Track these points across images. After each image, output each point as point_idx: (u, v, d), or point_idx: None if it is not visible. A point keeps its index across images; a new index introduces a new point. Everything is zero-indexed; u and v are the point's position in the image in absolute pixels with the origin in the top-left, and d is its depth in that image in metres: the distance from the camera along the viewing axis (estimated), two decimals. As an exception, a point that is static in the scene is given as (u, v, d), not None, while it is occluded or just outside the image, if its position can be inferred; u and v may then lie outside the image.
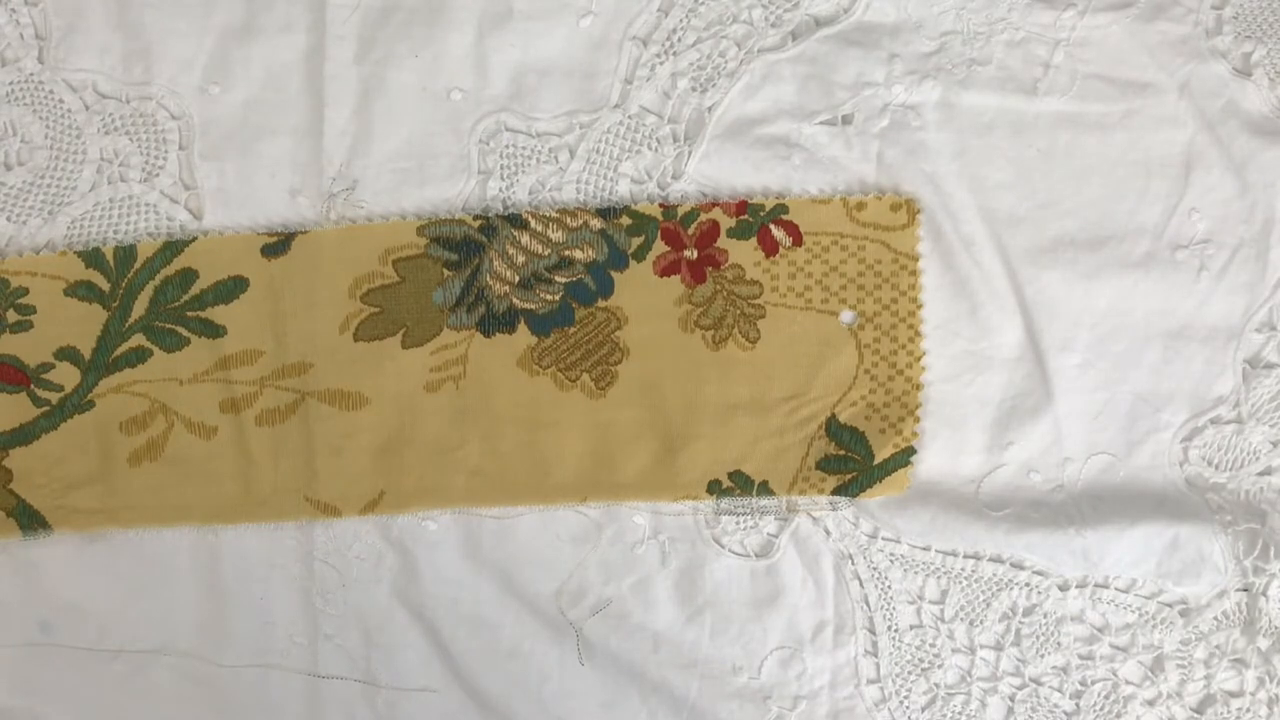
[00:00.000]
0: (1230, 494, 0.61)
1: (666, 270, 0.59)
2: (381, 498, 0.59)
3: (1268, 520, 0.61)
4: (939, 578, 0.60)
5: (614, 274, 0.59)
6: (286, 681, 0.61)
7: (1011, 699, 0.60)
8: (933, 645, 0.60)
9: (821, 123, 0.60)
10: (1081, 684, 0.60)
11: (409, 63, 0.59)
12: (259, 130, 0.58)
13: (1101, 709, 0.60)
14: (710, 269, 0.59)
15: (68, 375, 0.58)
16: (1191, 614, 0.60)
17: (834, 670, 0.61)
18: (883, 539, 0.60)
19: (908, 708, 0.60)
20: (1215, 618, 0.60)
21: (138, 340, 0.58)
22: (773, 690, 0.61)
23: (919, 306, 0.60)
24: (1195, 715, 0.60)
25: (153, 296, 0.58)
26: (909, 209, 0.60)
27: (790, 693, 0.61)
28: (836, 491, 0.60)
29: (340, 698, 0.60)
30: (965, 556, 0.60)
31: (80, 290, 0.58)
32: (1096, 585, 0.60)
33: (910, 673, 0.60)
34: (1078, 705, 0.60)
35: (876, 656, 0.60)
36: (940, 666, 0.60)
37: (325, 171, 0.59)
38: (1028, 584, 0.60)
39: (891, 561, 0.60)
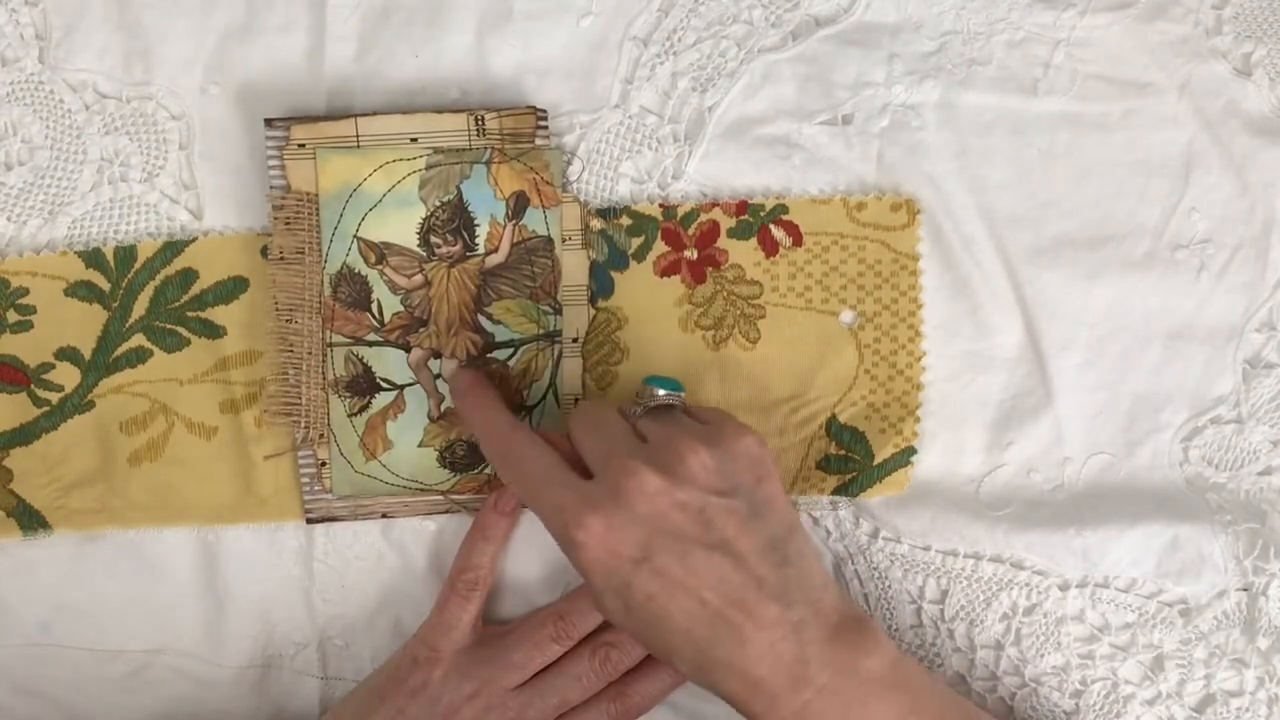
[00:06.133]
0: (1230, 494, 0.61)
1: (667, 270, 0.59)
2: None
3: (1268, 520, 0.61)
4: (939, 578, 0.60)
5: (614, 274, 0.59)
6: (287, 682, 0.61)
7: (1011, 699, 0.60)
8: (933, 645, 0.60)
9: (821, 123, 0.60)
10: (1081, 684, 0.60)
11: (409, 63, 0.59)
12: (259, 130, 0.58)
13: (1101, 709, 0.60)
14: (710, 269, 0.59)
15: (68, 375, 0.58)
16: (1191, 614, 0.60)
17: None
18: (883, 539, 0.60)
19: (908, 707, 0.60)
20: (1215, 618, 0.60)
21: (138, 340, 0.58)
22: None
23: (919, 306, 0.60)
24: (1195, 715, 0.60)
25: (153, 297, 0.58)
26: (909, 209, 0.60)
27: (790, 693, 0.61)
28: (836, 491, 0.60)
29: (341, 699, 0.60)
30: (965, 556, 0.60)
31: (80, 290, 0.58)
32: (1096, 585, 0.60)
33: (910, 672, 0.60)
34: (1078, 705, 0.60)
35: (876, 656, 0.60)
36: (940, 666, 0.60)
37: (325, 171, 0.59)
38: (1028, 584, 0.60)
39: (891, 561, 0.60)
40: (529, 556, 0.60)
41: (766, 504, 0.51)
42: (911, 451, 0.60)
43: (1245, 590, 0.60)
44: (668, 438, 0.51)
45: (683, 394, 0.55)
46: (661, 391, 0.54)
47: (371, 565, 0.60)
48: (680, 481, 0.49)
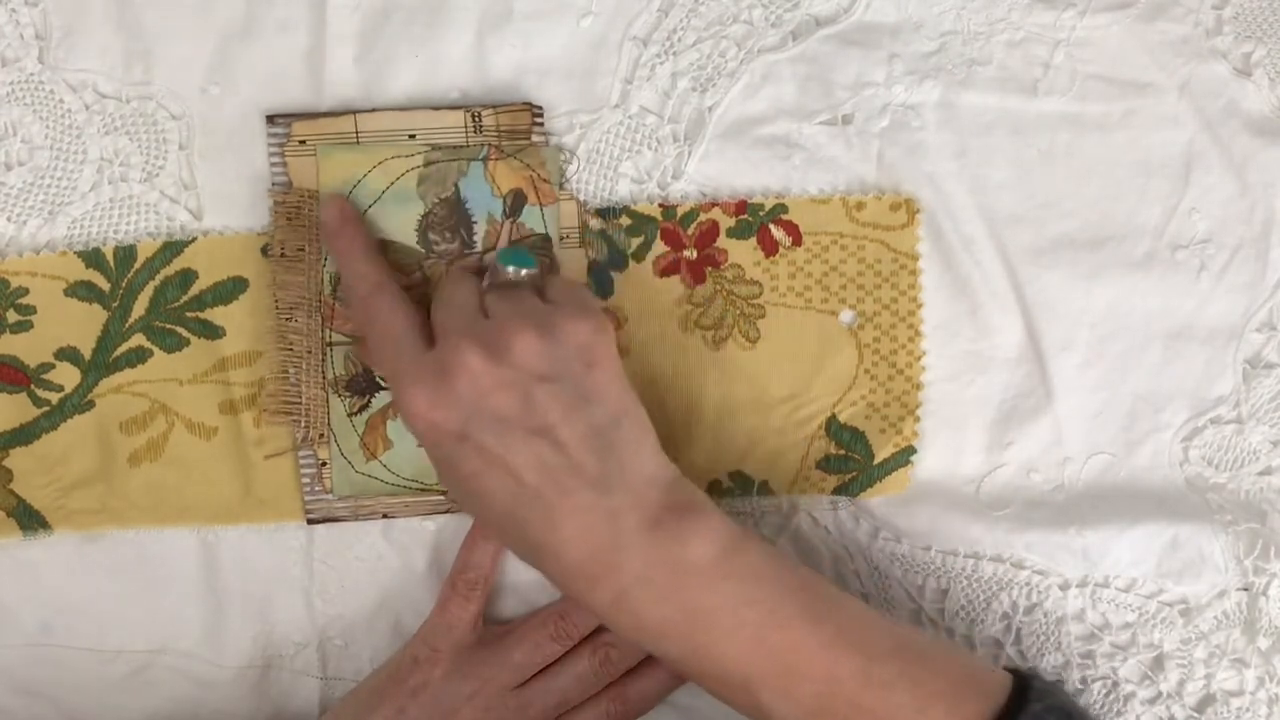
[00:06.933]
0: (1230, 494, 0.61)
1: (666, 270, 0.59)
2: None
3: (1268, 520, 0.61)
4: (939, 578, 0.60)
5: (614, 274, 0.59)
6: (286, 682, 0.61)
7: (1011, 699, 0.60)
8: (933, 645, 0.60)
9: (821, 123, 0.60)
10: (1081, 683, 0.60)
11: (409, 63, 0.59)
12: (259, 130, 0.58)
13: (1101, 708, 0.60)
14: (710, 269, 0.59)
15: (68, 375, 0.58)
16: (1191, 613, 0.60)
17: (834, 670, 0.61)
18: (883, 539, 0.60)
19: (908, 708, 0.60)
20: (1215, 617, 0.60)
21: (138, 340, 0.58)
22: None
23: (919, 306, 0.60)
24: (1195, 715, 0.60)
25: (153, 297, 0.58)
26: (909, 209, 0.60)
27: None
28: (837, 491, 0.60)
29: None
30: (965, 556, 0.60)
31: (80, 290, 0.58)
32: (1097, 585, 0.60)
33: (910, 673, 0.60)
34: (1078, 705, 0.60)
35: (876, 656, 0.60)
36: (940, 666, 0.60)
37: (325, 171, 0.59)
38: (1028, 584, 0.60)
39: (891, 561, 0.60)
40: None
41: (594, 391, 0.50)
42: (911, 451, 0.60)
43: (1245, 590, 0.60)
44: (502, 317, 0.51)
45: (532, 269, 0.54)
46: (509, 269, 0.54)
47: (371, 565, 0.60)
48: (503, 363, 0.49)
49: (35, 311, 0.58)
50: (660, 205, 0.59)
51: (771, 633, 0.49)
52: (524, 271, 0.54)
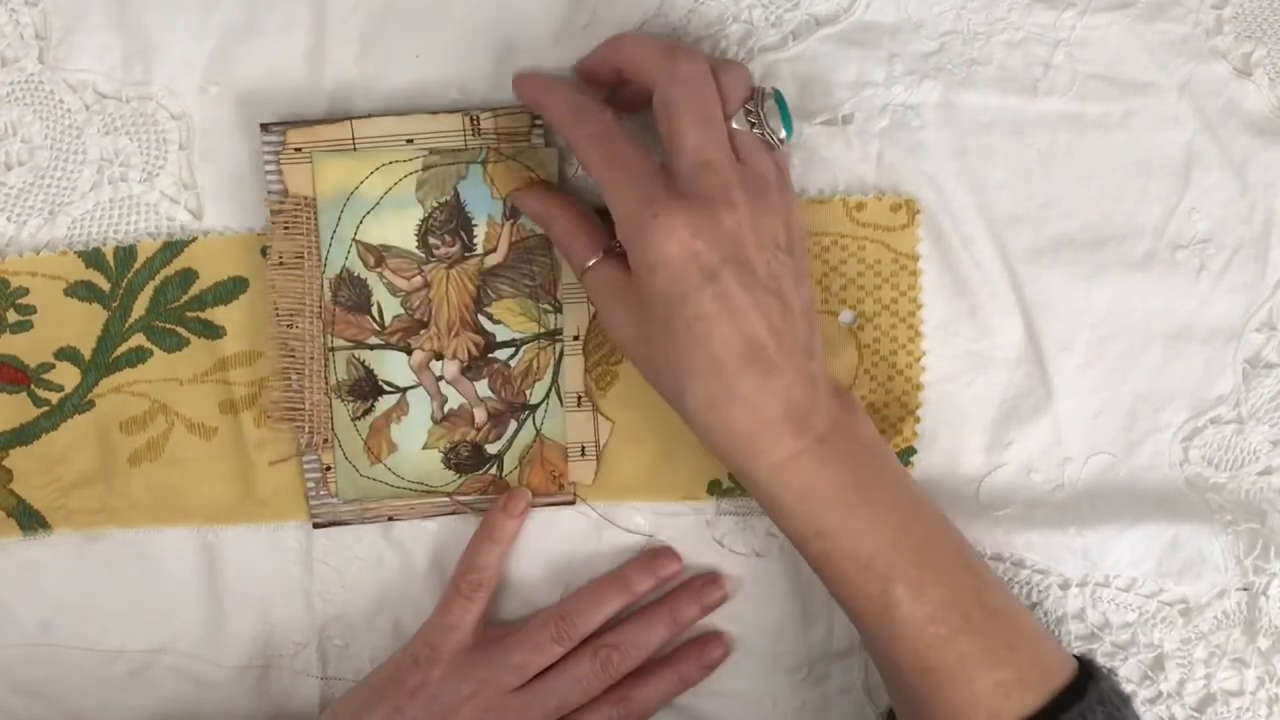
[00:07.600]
0: (1230, 494, 0.61)
1: (667, 270, 0.59)
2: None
3: (1268, 520, 0.61)
4: (939, 577, 0.60)
5: (614, 274, 0.59)
6: (286, 682, 0.61)
7: (1011, 699, 0.60)
8: (933, 645, 0.60)
9: (821, 123, 0.60)
10: (1081, 683, 0.60)
11: (410, 63, 0.59)
12: (259, 130, 0.58)
13: (1101, 708, 0.60)
14: (710, 269, 0.59)
15: (68, 375, 0.58)
16: (1192, 613, 0.60)
17: (837, 670, 0.61)
18: (883, 539, 0.60)
19: (908, 707, 0.60)
20: (1215, 617, 0.60)
21: (138, 340, 0.58)
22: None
23: (919, 306, 0.60)
24: (1195, 715, 0.60)
25: (153, 297, 0.58)
26: (909, 209, 0.60)
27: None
28: (837, 491, 0.60)
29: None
30: (965, 556, 0.60)
31: (80, 290, 0.58)
32: (1097, 584, 0.60)
33: (910, 672, 0.60)
34: (1077, 705, 0.60)
35: (876, 656, 0.60)
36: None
37: (325, 172, 0.59)
38: (1028, 583, 0.60)
39: (891, 561, 0.60)
40: (531, 557, 0.60)
41: (805, 276, 0.53)
42: (911, 451, 0.60)
43: (1245, 590, 0.60)
44: (763, 177, 0.52)
45: (789, 139, 0.55)
46: (773, 126, 0.53)
47: (371, 565, 0.60)
48: (760, 222, 0.51)
49: (35, 311, 0.58)
50: (660, 205, 0.59)
51: (916, 523, 0.52)
52: (782, 135, 0.54)
